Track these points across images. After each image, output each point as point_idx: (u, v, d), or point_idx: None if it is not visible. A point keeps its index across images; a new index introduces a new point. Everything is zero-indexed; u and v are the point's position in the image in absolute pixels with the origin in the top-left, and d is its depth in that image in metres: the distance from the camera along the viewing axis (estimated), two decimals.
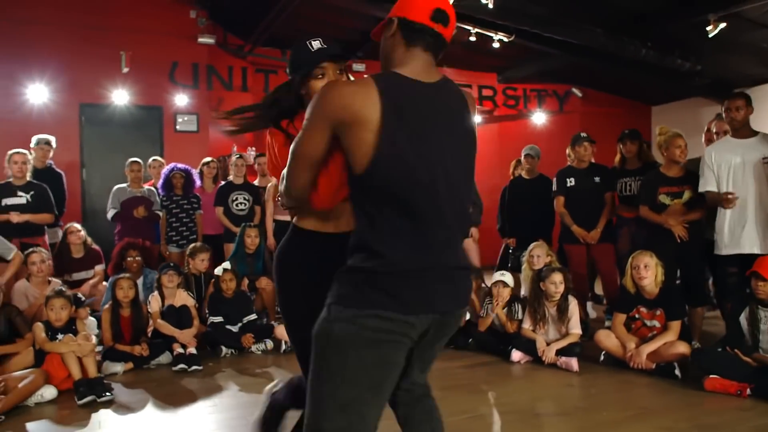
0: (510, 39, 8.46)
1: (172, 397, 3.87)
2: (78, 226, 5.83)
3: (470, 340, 4.85)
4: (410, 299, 1.64)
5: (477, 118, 9.42)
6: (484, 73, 10.76)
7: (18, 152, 5.48)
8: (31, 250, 4.92)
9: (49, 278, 4.98)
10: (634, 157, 5.21)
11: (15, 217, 5.30)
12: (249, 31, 9.03)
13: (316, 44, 2.05)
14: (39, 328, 3.98)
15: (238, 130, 2.33)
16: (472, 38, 8.36)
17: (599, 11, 7.51)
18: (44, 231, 5.60)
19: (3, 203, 5.34)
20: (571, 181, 5.28)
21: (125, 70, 7.94)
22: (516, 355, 4.49)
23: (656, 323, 4.18)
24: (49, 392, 3.75)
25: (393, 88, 1.68)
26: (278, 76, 9.42)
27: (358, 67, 9.93)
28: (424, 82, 1.75)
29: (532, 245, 5.16)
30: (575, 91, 10.77)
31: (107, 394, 3.74)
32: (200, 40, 8.69)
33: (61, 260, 5.63)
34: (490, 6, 5.97)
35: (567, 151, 5.57)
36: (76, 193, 7.82)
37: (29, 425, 3.38)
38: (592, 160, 5.39)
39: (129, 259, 5.47)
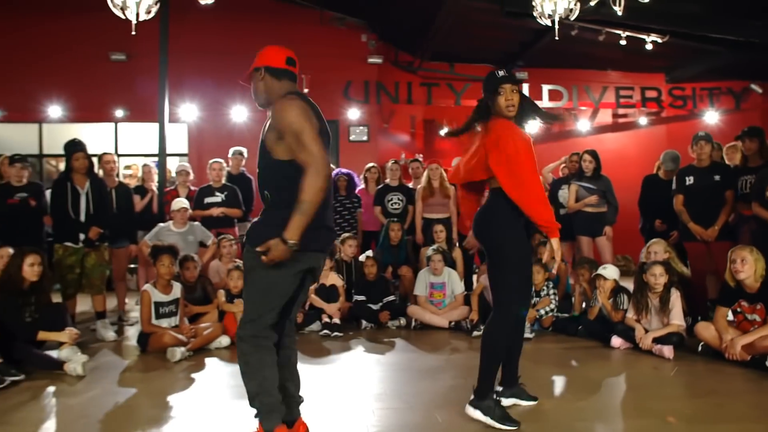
0: (664, 40, 8.41)
1: (318, 352, 4.84)
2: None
3: (579, 327, 5.24)
4: None
5: (642, 120, 9.70)
6: (650, 75, 10.60)
7: (216, 161, 6.93)
8: (222, 236, 6.27)
9: (236, 260, 6.30)
10: (755, 154, 5.16)
11: (215, 212, 6.72)
12: (416, 48, 10.01)
13: (501, 73, 3.11)
14: (221, 293, 5.25)
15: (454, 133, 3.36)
16: (623, 42, 8.46)
17: (756, 3, 7.24)
18: (234, 223, 6.96)
19: (205, 201, 6.80)
20: (690, 180, 5.38)
21: (306, 90, 9.33)
22: (616, 341, 4.80)
23: (756, 317, 4.25)
24: (225, 340, 4.98)
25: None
26: (440, 89, 10.29)
27: (521, 75, 10.42)
28: None
29: (650, 242, 5.38)
30: (754, 87, 10.17)
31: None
32: (370, 60, 9.88)
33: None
34: (620, 13, 6.19)
35: (688, 150, 5.64)
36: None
37: (207, 360, 4.59)
38: (717, 159, 5.43)
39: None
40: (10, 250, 4.71)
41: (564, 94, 10.38)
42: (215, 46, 9.45)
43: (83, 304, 5.84)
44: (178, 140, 9.63)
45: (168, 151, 9.19)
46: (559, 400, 3.65)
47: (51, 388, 3.88)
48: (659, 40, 8.38)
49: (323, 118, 2.72)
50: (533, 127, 10.33)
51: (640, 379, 4.09)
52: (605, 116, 10.83)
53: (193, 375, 4.19)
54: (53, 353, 4.41)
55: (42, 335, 4.46)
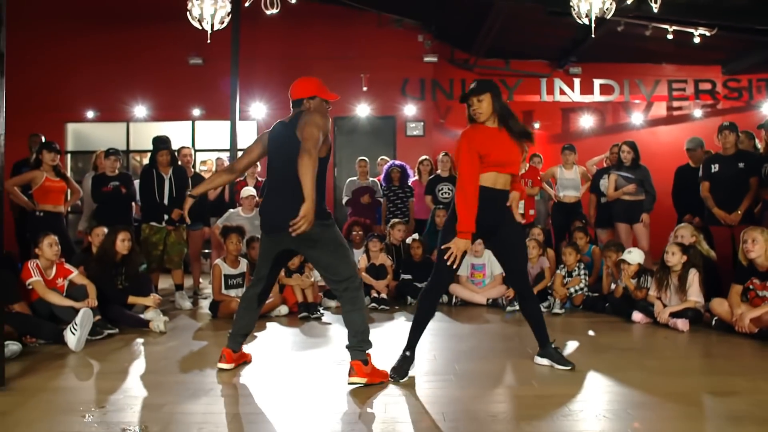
0: (712, 33, 8.54)
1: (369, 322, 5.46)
2: None
3: (606, 304, 5.64)
4: None
5: (697, 112, 9.91)
6: (705, 67, 10.64)
7: None
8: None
9: None
10: None
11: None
12: (471, 46, 10.43)
13: (468, 89, 3.61)
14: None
15: None
16: (670, 36, 8.63)
17: None
18: None
19: None
20: (715, 167, 5.66)
21: (365, 88, 10.00)
22: (637, 316, 5.18)
23: (767, 294, 4.56)
24: (284, 309, 5.71)
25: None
26: None
27: (574, 70, 10.70)
28: None
29: (678, 226, 5.72)
30: None
31: (318, 312, 5.55)
32: (425, 59, 10.43)
33: None
34: (655, 10, 6.48)
35: (714, 139, 5.90)
36: (329, 186, 10.13)
37: (268, 324, 5.32)
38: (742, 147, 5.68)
39: (354, 233, 7.29)
40: (105, 230, 5.58)
41: (615, 88, 10.59)
42: (282, 50, 10.27)
43: (163, 282, 6.70)
44: (248, 136, 10.45)
45: (239, 147, 10.06)
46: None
47: (139, 340, 4.68)
48: (707, 33, 8.51)
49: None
50: (588, 121, 10.64)
51: (646, 345, 4.52)
52: (660, 109, 10.93)
53: (257, 334, 4.90)
54: (141, 315, 5.23)
55: (131, 299, 5.28)
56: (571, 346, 4.41)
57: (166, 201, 6.07)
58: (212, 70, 9.98)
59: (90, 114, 10.45)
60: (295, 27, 10.25)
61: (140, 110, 10.30)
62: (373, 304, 6.08)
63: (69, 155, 10.55)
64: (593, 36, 6.78)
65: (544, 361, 3.77)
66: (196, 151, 10.47)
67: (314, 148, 3.23)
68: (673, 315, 4.93)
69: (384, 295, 6.19)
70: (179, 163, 6.43)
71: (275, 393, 3.33)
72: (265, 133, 3.70)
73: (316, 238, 3.36)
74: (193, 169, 7.32)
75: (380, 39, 10.44)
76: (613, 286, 5.78)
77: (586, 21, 6.55)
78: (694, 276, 4.99)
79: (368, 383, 3.39)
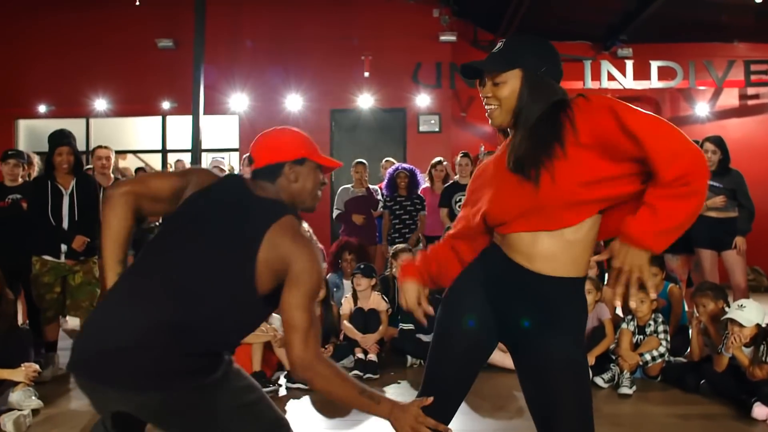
0: None
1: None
2: (305, 226, 6.14)
3: (702, 381, 3.75)
4: None
5: None
6: None
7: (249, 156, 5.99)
8: None
9: None
10: None
11: None
12: (499, 25, 8.72)
13: None
14: None
15: None
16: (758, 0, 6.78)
17: None
18: None
19: None
20: None
21: (366, 74, 8.24)
22: (761, 411, 3.30)
23: None
24: None
25: None
26: None
27: (623, 52, 8.91)
28: None
29: None
30: None
31: (274, 385, 3.84)
32: (442, 38, 8.63)
33: None
34: None
35: None
36: (324, 195, 8.37)
37: None
38: None
39: (344, 262, 5.58)
40: None
41: (678, 72, 8.67)
42: (269, 30, 8.61)
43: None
44: (228, 134, 8.87)
45: (217, 146, 8.53)
46: None
47: None
48: None
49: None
50: None
51: None
52: (730, 98, 9.05)
53: None
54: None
55: None
56: None
57: (65, 224, 4.32)
58: (186, 55, 8.31)
59: (44, 109, 8.90)
60: (286, 2, 8.55)
61: (102, 104, 8.72)
62: (356, 372, 4.27)
63: None
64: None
65: None
66: (167, 151, 8.91)
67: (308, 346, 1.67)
68: None
69: (374, 357, 4.39)
70: (86, 169, 4.75)
71: None
72: (198, 173, 1.91)
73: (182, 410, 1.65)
74: (113, 177, 5.47)
75: (387, 15, 8.66)
76: (706, 349, 3.91)
77: None
78: None
79: None
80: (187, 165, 7.17)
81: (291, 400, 3.79)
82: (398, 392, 3.91)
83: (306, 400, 3.79)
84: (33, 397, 3.52)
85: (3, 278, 3.82)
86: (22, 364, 3.67)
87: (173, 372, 1.57)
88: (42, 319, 4.35)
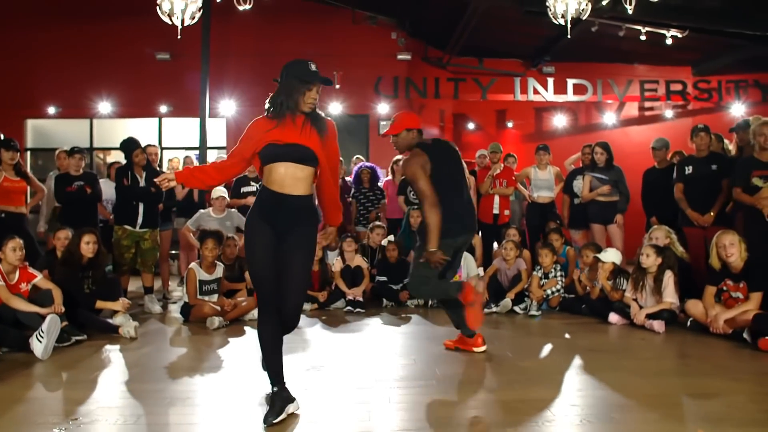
0: (684, 35, 8.64)
1: (343, 325, 5.38)
2: None
3: (583, 306, 5.65)
4: None
5: (668, 113, 9.80)
6: (677, 67, 10.79)
7: None
8: None
9: None
10: (748, 145, 5.47)
11: (251, 200, 7.29)
12: (446, 44, 10.37)
13: (313, 66, 2.96)
14: (248, 274, 5.81)
15: None
16: (643, 37, 8.71)
17: None
18: None
19: (242, 191, 7.40)
20: (689, 169, 5.72)
21: (337, 86, 9.87)
22: (613, 317, 5.20)
23: (740, 295, 4.59)
24: (257, 313, 5.53)
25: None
26: (467, 84, 10.69)
27: (548, 69, 10.74)
28: None
29: (652, 228, 5.75)
30: None
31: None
32: (399, 56, 10.37)
33: None
34: (630, 12, 6.52)
35: (688, 142, 5.96)
36: None
37: (242, 328, 5.19)
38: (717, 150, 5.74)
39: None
40: (70, 232, 5.39)
41: (588, 88, 10.67)
42: (254, 46, 10.11)
43: (131, 285, 6.52)
44: (217, 134, 10.29)
45: (208, 145, 9.89)
46: (542, 360, 4.13)
47: (109, 346, 4.50)
48: (679, 35, 8.62)
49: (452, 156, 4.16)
50: (561, 120, 10.68)
51: (625, 347, 4.52)
52: (632, 109, 11.05)
53: (231, 339, 4.77)
54: (109, 320, 5.05)
55: (99, 304, 5.10)
56: (548, 348, 4.39)
57: (141, 204, 5.92)
58: (180, 65, 9.77)
59: (51, 110, 10.12)
60: (269, 23, 10.13)
61: (105, 106, 10.02)
62: (348, 307, 5.99)
63: (29, 152, 10.19)
64: (568, 36, 6.79)
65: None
66: (162, 149, 10.26)
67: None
68: (650, 316, 4.96)
69: (360, 298, 6.11)
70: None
71: (253, 400, 3.22)
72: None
73: None
74: (159, 168, 7.09)
75: (354, 36, 10.35)
76: (588, 287, 5.79)
77: (562, 21, 6.57)
78: (669, 278, 5.02)
79: None
80: (181, 163, 8.47)
81: (308, 328, 5.44)
82: (379, 322, 5.58)
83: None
84: (130, 320, 5.06)
85: (100, 240, 5.32)
86: (119, 298, 5.22)
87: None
88: (119, 272, 5.88)
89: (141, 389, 3.43)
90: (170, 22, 6.36)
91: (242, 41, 10.17)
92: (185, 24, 6.37)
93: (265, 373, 3.03)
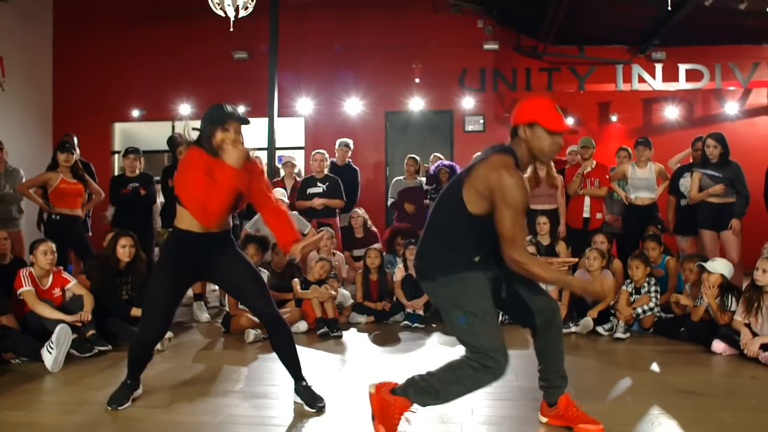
0: None
1: (390, 345, 4.77)
2: (360, 211, 7.14)
3: (682, 329, 4.65)
4: None
5: None
6: None
7: (318, 152, 7.02)
8: (323, 228, 6.34)
9: (334, 251, 6.36)
10: None
11: (316, 202, 6.83)
12: (539, 32, 9.37)
13: (229, 108, 2.97)
14: (296, 282, 5.33)
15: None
16: (742, 6, 7.40)
17: None
18: (336, 214, 7.01)
19: (307, 192, 6.94)
20: None
21: (417, 80, 9.26)
22: (718, 346, 4.19)
23: None
24: (302, 326, 5.09)
25: None
26: (561, 74, 9.69)
27: (657, 55, 9.56)
28: None
29: None
30: None
31: (337, 331, 4.88)
32: (485, 46, 9.55)
33: (347, 238, 7.04)
34: None
35: None
36: (380, 187, 9.47)
37: None
38: None
39: (396, 245, 6.56)
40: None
41: (705, 74, 9.34)
42: (329, 41, 9.74)
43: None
44: (294, 134, 10.00)
45: (286, 144, 9.63)
46: (614, 403, 3.26)
47: None
48: None
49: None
50: (672, 112, 9.41)
51: (728, 388, 3.54)
52: (759, 97, 9.58)
53: (259, 355, 4.29)
54: None
55: (135, 312, 4.78)
56: (625, 385, 3.53)
57: None
58: (257, 64, 9.52)
59: (136, 113, 10.24)
60: (343, 16, 9.73)
61: (185, 108, 9.99)
62: (406, 321, 5.35)
63: (116, 156, 10.37)
64: (669, 8, 5.75)
65: (297, 399, 3.21)
66: None
67: (514, 240, 2.39)
68: (765, 347, 3.93)
69: (421, 312, 5.45)
70: None
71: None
72: None
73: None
74: None
75: (436, 26, 9.67)
76: (688, 306, 4.79)
77: None
78: None
79: None
80: (265, 162, 8.21)
81: (352, 345, 4.87)
82: (435, 341, 4.91)
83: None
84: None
85: (138, 243, 5.05)
86: None
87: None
88: None
89: (133, 417, 3.03)
90: (223, 14, 6.02)
91: (316, 37, 9.82)
92: (239, 15, 6.00)
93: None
